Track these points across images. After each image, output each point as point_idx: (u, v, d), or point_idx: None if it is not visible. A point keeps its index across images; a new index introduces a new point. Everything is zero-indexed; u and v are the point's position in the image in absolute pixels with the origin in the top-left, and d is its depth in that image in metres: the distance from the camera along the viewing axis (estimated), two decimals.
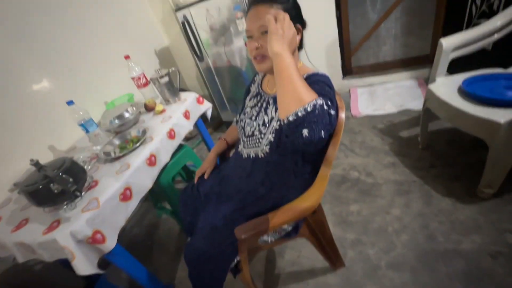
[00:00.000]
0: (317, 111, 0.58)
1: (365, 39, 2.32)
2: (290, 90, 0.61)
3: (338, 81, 2.45)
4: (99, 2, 1.83)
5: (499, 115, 1.02)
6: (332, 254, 1.09)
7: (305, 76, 0.77)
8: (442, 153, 1.53)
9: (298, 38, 0.78)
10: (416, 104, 1.96)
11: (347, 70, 2.50)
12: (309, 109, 0.58)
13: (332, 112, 0.63)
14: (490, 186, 1.18)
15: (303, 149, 0.63)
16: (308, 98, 0.59)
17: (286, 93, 0.61)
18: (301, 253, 1.27)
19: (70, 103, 1.23)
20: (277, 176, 0.87)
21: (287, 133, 0.62)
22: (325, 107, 0.60)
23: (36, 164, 0.89)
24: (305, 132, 0.58)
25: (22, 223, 0.96)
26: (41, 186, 0.86)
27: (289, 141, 0.63)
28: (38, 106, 1.42)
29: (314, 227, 0.97)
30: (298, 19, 0.78)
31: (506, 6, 1.31)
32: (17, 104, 1.34)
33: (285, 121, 0.61)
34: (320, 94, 0.64)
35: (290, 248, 1.31)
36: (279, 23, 0.64)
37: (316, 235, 1.00)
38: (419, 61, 2.27)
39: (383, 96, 2.19)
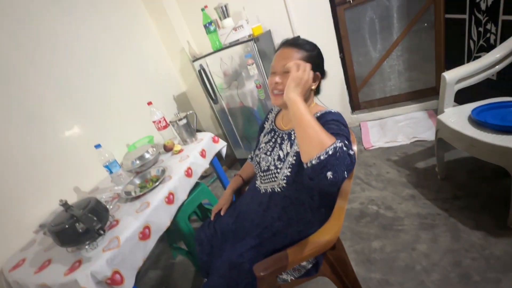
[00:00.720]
0: (338, 153, 0.61)
1: (370, 76, 2.43)
2: (311, 135, 0.65)
3: (347, 116, 2.51)
4: (126, 55, 2.08)
5: None
6: None
7: (319, 114, 0.83)
8: (464, 184, 1.48)
9: (315, 85, 0.86)
10: (428, 134, 1.95)
11: (356, 105, 2.59)
12: (330, 152, 0.61)
13: (351, 152, 0.66)
14: None
15: (328, 189, 0.65)
16: (329, 142, 0.63)
17: (307, 139, 0.65)
18: None
19: (97, 146, 1.33)
20: (293, 211, 0.87)
21: (311, 176, 0.64)
22: (345, 148, 0.63)
23: (64, 204, 0.94)
24: (329, 174, 0.61)
25: (45, 264, 0.99)
26: (67, 226, 0.91)
27: (314, 183, 0.64)
28: (67, 150, 1.53)
29: (335, 264, 0.93)
30: (319, 68, 0.87)
31: (502, 39, 1.38)
32: (49, 149, 1.45)
33: (309, 165, 0.63)
34: (337, 133, 0.69)
35: None
36: (300, 71, 0.73)
37: (338, 273, 0.95)
38: (426, 93, 2.32)
39: (394, 128, 2.21)
